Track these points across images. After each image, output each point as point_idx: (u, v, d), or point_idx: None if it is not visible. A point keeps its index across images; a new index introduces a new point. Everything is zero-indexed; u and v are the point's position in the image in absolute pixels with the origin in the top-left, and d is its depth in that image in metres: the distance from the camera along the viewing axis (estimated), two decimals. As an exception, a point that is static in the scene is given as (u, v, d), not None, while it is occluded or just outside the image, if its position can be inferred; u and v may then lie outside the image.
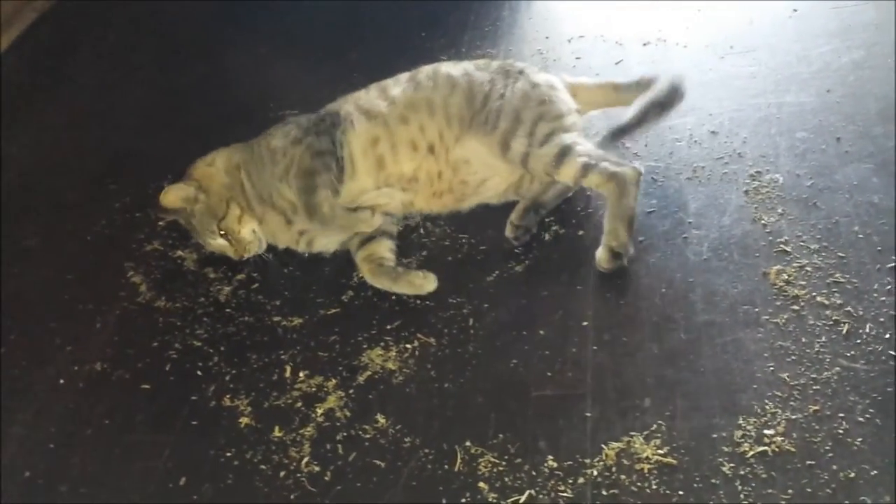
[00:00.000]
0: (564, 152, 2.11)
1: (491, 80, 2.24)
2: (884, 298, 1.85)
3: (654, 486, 1.64)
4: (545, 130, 2.15)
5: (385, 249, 2.20)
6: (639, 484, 1.65)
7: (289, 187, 2.17)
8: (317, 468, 1.80)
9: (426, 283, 2.11)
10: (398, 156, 2.21)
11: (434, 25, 3.08)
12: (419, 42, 3.01)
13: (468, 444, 1.78)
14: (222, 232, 2.17)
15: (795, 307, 1.88)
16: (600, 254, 2.05)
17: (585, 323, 1.97)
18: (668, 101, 2.21)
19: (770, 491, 1.59)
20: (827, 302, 1.87)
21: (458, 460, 1.76)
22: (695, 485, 1.63)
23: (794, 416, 1.69)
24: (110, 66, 3.29)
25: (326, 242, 2.27)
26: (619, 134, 2.23)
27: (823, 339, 1.81)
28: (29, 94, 3.18)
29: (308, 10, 3.38)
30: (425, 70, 2.30)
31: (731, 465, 1.64)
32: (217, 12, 3.49)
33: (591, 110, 2.35)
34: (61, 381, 2.09)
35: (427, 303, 2.10)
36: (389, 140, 2.20)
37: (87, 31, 3.48)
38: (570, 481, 1.68)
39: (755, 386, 1.76)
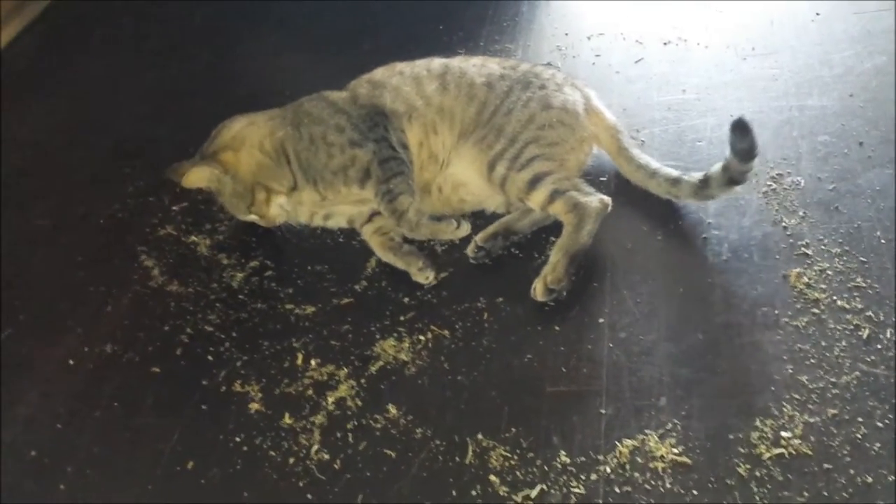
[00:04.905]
0: (538, 178, 2.07)
1: (507, 92, 2.18)
2: (904, 304, 1.84)
3: (668, 485, 1.62)
4: (530, 154, 2.10)
5: (392, 224, 2.18)
6: (652, 482, 1.63)
7: (343, 182, 2.17)
8: (326, 456, 1.79)
9: (420, 274, 2.11)
10: (430, 164, 2.21)
11: (452, 18, 3.06)
12: (436, 35, 2.99)
13: (480, 437, 1.77)
14: (252, 211, 2.17)
15: (815, 311, 1.86)
16: (536, 284, 2.01)
17: (601, 320, 1.95)
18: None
19: (786, 493, 1.57)
20: (847, 306, 1.86)
21: (470, 453, 1.74)
22: (709, 485, 1.61)
23: (811, 420, 1.67)
24: (123, 52, 3.27)
25: (339, 219, 2.28)
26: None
27: (843, 343, 1.79)
28: (42, 77, 3.16)
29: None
30: (454, 68, 2.24)
31: (747, 466, 1.62)
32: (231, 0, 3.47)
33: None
34: (70, 362, 2.07)
35: (442, 295, 2.08)
36: (428, 149, 2.19)
37: (100, 17, 3.47)
38: (583, 477, 1.67)
39: (773, 388, 1.74)
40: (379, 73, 2.29)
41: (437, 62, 2.28)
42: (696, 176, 2.09)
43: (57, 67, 3.21)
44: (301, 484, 1.75)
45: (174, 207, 2.45)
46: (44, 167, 2.73)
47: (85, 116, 2.94)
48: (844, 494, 1.55)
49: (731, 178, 2.03)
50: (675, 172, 2.13)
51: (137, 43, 3.31)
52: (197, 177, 2.14)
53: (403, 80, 2.24)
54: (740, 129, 1.98)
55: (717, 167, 2.05)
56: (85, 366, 2.06)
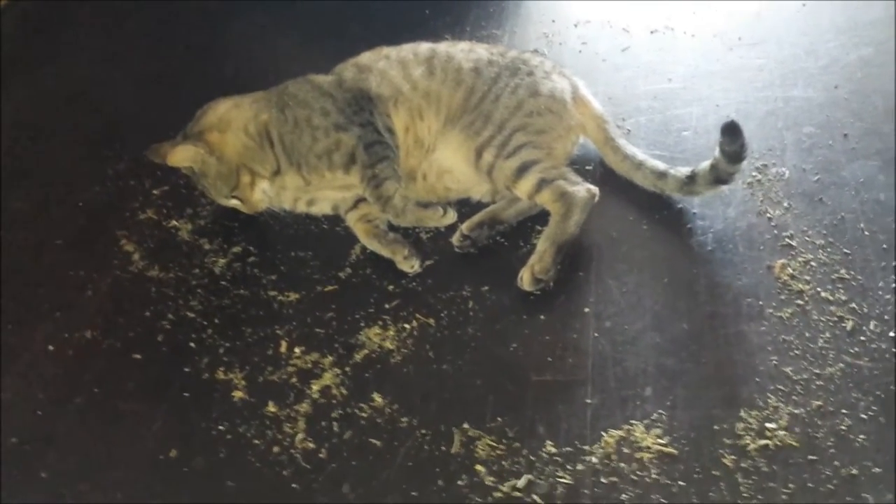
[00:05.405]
0: (525, 167, 2.06)
1: (495, 78, 2.17)
2: (888, 296, 1.85)
3: (655, 476, 1.63)
4: (517, 142, 2.09)
5: (378, 211, 2.17)
6: (639, 472, 1.64)
7: (328, 166, 2.15)
8: (311, 445, 1.78)
9: (406, 262, 2.10)
10: (415, 150, 2.19)
11: (438, 3, 3.03)
12: (423, 19, 2.96)
13: (466, 426, 1.76)
14: (234, 195, 2.16)
15: (800, 302, 1.87)
16: (523, 274, 2.01)
17: (587, 309, 1.95)
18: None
19: (771, 484, 1.58)
20: (831, 298, 1.87)
21: (456, 442, 1.74)
22: (695, 475, 1.62)
23: (796, 411, 1.68)
24: (106, 34, 3.22)
25: (323, 205, 2.26)
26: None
27: (827, 334, 1.80)
28: (25, 59, 3.10)
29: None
30: (441, 53, 2.22)
31: (733, 457, 1.63)
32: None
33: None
34: (50, 348, 2.04)
35: (427, 283, 2.07)
36: (414, 134, 2.18)
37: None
38: (570, 467, 1.67)
39: (758, 379, 1.75)
40: (365, 57, 2.27)
41: (423, 47, 2.26)
42: (683, 171, 2.09)
43: (37, 50, 3.15)
44: (286, 472, 1.74)
45: (155, 191, 2.42)
46: (23, 150, 2.68)
47: (65, 99, 2.89)
48: (829, 486, 1.56)
49: (718, 177, 2.03)
50: (661, 165, 2.13)
51: (121, 25, 3.25)
52: (182, 155, 2.11)
53: (390, 65, 2.22)
54: (731, 131, 1.98)
55: (704, 165, 2.05)
56: (65, 352, 2.03)
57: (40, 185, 2.52)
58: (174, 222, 2.33)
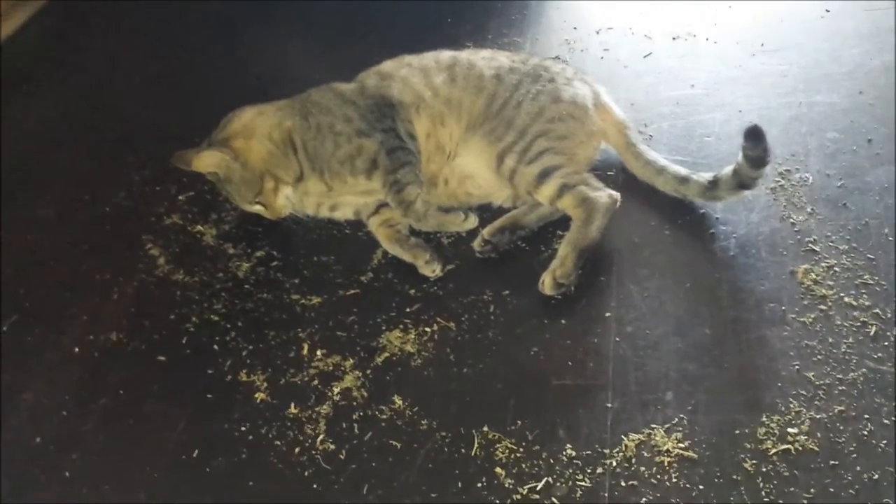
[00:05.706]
0: (547, 172, 2.08)
1: (516, 85, 2.18)
2: (912, 301, 1.84)
3: (674, 480, 1.63)
4: (539, 148, 2.10)
5: (400, 216, 2.19)
6: (658, 476, 1.64)
7: (350, 172, 2.17)
8: (332, 446, 1.79)
9: (427, 267, 2.11)
10: (437, 155, 2.20)
11: (460, 11, 3.05)
12: (444, 27, 2.98)
13: (486, 429, 1.77)
14: (258, 201, 2.18)
15: (823, 307, 1.87)
16: (545, 278, 2.02)
17: (608, 314, 1.95)
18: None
19: (792, 489, 1.58)
20: (855, 303, 1.86)
21: (475, 445, 1.74)
22: (715, 480, 1.62)
23: (818, 416, 1.68)
24: (130, 41, 3.26)
25: (346, 210, 2.28)
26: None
27: (850, 339, 1.79)
28: (47, 67, 3.15)
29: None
30: (463, 61, 2.24)
31: (753, 461, 1.63)
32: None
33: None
34: (76, 350, 2.06)
35: (448, 287, 2.08)
36: (435, 140, 2.19)
37: (105, 6, 3.45)
38: (589, 471, 1.67)
39: (780, 384, 1.74)
40: (387, 64, 2.29)
41: (445, 54, 2.28)
42: (706, 176, 2.09)
43: (62, 57, 3.20)
44: (306, 474, 1.75)
45: (180, 197, 2.44)
46: (49, 156, 2.72)
47: (90, 106, 2.93)
48: (851, 491, 1.55)
49: (741, 182, 2.03)
50: (683, 171, 2.13)
51: (143, 32, 3.30)
52: (208, 161, 2.14)
53: (412, 72, 2.24)
54: (754, 136, 1.97)
55: (727, 170, 2.05)
56: (90, 354, 2.05)
57: (66, 191, 2.55)
58: (199, 227, 2.35)
